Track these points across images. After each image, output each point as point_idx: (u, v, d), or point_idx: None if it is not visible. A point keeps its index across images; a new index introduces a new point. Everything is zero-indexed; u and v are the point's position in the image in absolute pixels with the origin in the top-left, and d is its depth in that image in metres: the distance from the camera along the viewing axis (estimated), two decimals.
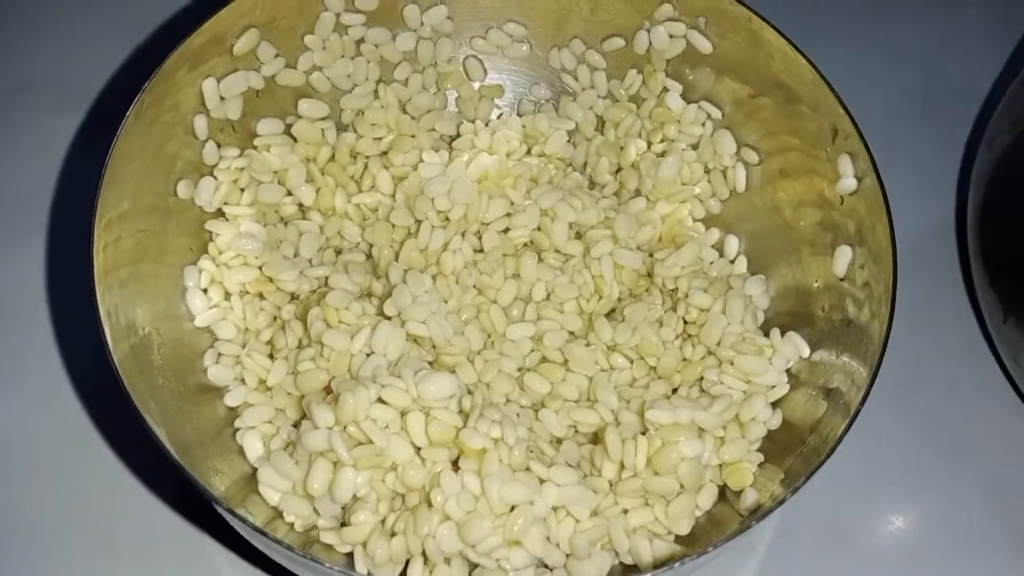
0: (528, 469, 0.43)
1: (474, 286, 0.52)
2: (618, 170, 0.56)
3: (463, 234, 0.53)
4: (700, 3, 0.52)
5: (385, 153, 0.56)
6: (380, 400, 0.43)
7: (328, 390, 0.45)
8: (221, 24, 0.49)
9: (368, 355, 0.46)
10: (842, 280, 0.47)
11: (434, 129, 0.57)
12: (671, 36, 0.54)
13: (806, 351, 0.48)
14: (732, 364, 0.48)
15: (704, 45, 0.53)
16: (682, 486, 0.44)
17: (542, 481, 0.43)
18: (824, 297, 0.49)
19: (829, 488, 0.51)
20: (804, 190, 0.50)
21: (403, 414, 0.44)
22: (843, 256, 0.47)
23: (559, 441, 0.48)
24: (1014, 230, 0.49)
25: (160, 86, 0.47)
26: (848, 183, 0.47)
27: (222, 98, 0.50)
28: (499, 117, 0.58)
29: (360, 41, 0.55)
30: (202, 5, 0.55)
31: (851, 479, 0.52)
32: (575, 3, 0.55)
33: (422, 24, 0.56)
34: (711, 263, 0.54)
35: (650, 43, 0.54)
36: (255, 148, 0.53)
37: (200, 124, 0.50)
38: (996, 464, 0.53)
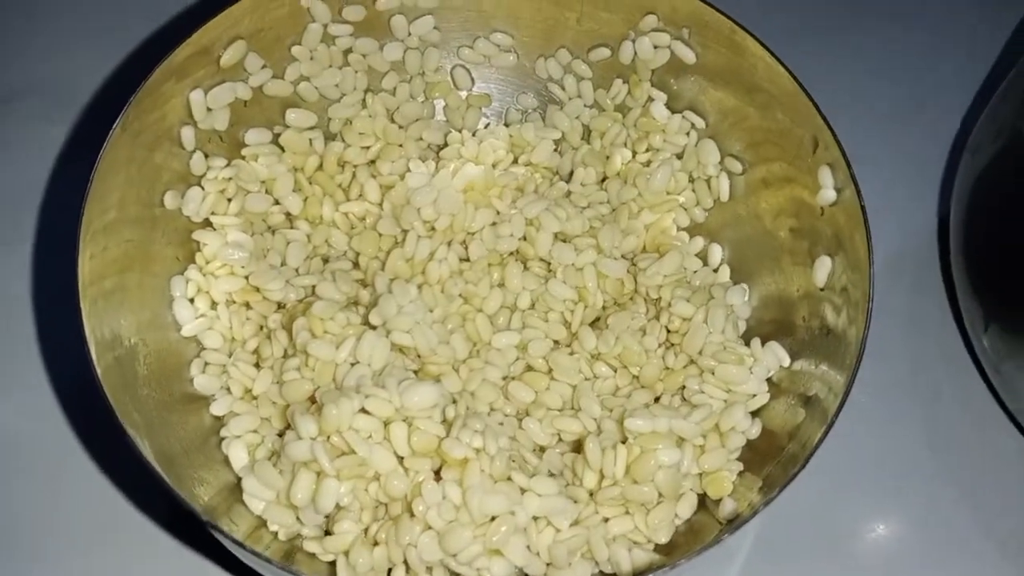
0: (509, 479, 0.43)
1: (460, 295, 0.52)
2: (603, 179, 0.57)
3: (449, 243, 0.53)
4: (684, 14, 0.52)
5: (373, 162, 0.56)
6: (363, 410, 0.44)
7: (313, 400, 0.46)
8: (207, 36, 0.49)
9: (353, 365, 0.47)
10: (822, 290, 0.48)
11: (421, 138, 0.57)
12: (655, 46, 0.54)
13: (787, 360, 0.48)
14: (713, 373, 0.48)
15: (688, 55, 0.53)
16: (660, 494, 0.44)
17: (523, 491, 0.43)
18: (804, 306, 0.49)
19: (810, 495, 0.52)
20: (786, 200, 0.51)
21: (386, 424, 0.44)
22: (823, 267, 0.48)
23: (542, 450, 0.49)
24: (995, 239, 0.49)
25: (146, 98, 0.47)
26: (828, 194, 0.47)
27: (209, 109, 0.51)
28: (486, 126, 0.59)
29: (348, 51, 0.55)
30: (196, 10, 0.55)
31: (833, 487, 0.53)
32: (561, 13, 0.55)
33: (409, 34, 0.56)
34: (694, 272, 0.54)
35: (635, 53, 0.55)
36: (243, 158, 0.53)
37: (187, 135, 0.50)
38: (979, 473, 0.54)
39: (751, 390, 0.48)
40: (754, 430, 0.47)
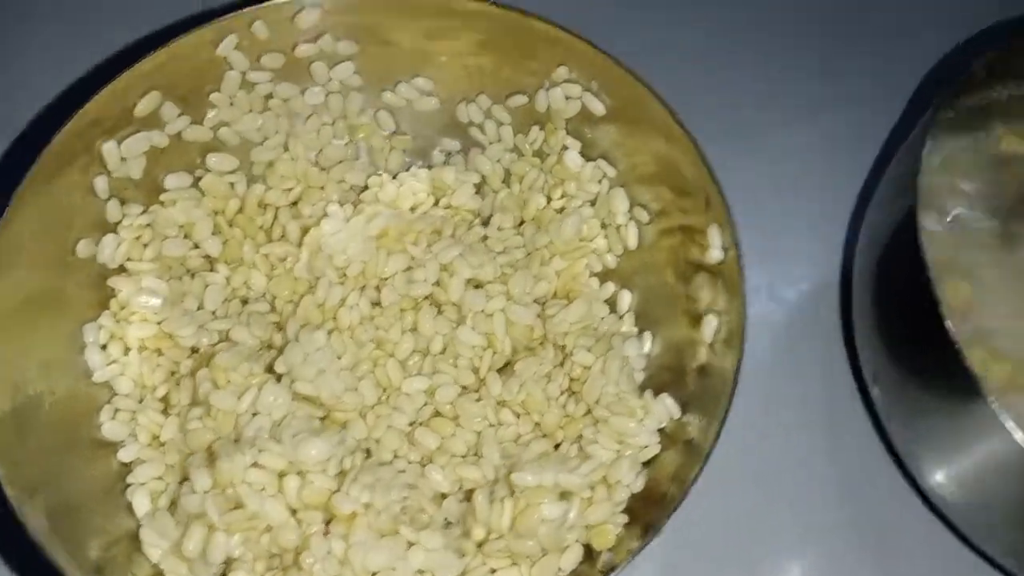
0: (397, 533, 0.45)
1: (372, 340, 0.53)
2: (521, 223, 0.58)
3: (362, 289, 0.54)
4: (592, 67, 0.53)
5: (295, 203, 0.57)
6: (257, 464, 0.45)
7: (211, 450, 0.47)
8: (120, 88, 0.50)
9: (254, 415, 0.48)
10: (710, 345, 0.49)
11: (344, 180, 0.58)
12: (567, 97, 0.55)
13: (677, 413, 0.50)
14: (607, 424, 0.49)
15: (597, 107, 0.55)
16: (544, 548, 0.46)
17: (411, 544, 0.45)
18: (695, 359, 0.50)
19: (705, 544, 0.53)
20: (684, 253, 0.52)
21: (281, 476, 0.46)
22: (710, 323, 0.49)
23: (444, 496, 0.50)
24: (887, 294, 0.50)
25: (58, 150, 0.48)
26: (714, 254, 0.49)
27: (123, 159, 0.52)
28: (408, 168, 0.60)
29: (268, 96, 0.56)
30: (140, 46, 0.55)
31: (729, 536, 0.54)
32: (480, 60, 0.56)
33: (330, 79, 0.57)
34: (602, 318, 0.55)
35: (549, 102, 0.56)
36: (161, 203, 0.54)
37: (100, 184, 0.51)
38: (879, 522, 0.54)
39: (642, 442, 0.49)
40: (638, 483, 0.48)
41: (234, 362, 0.49)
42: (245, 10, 0.52)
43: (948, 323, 0.44)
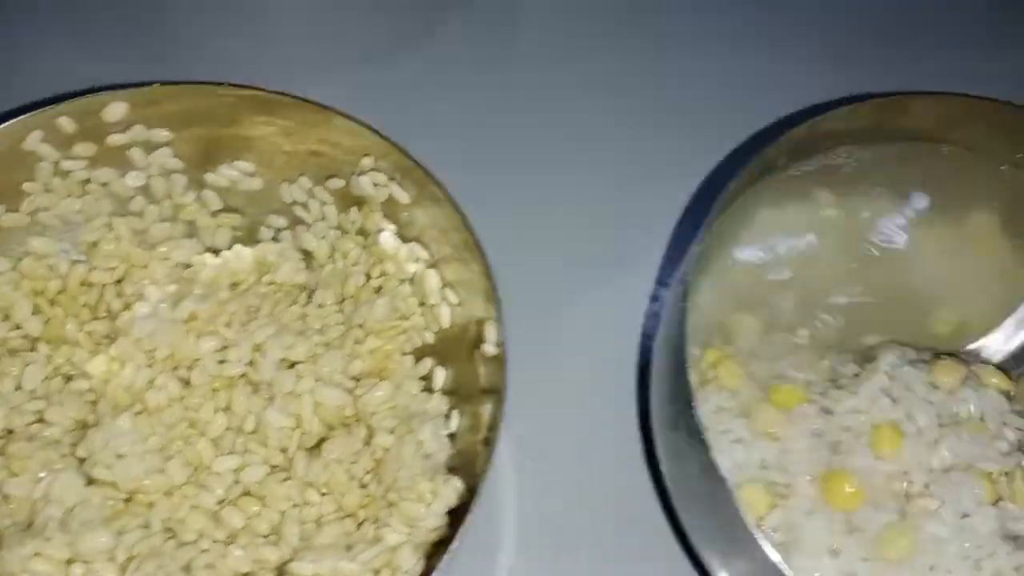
0: None
1: (184, 420, 0.55)
2: (342, 300, 0.60)
3: (173, 369, 0.56)
4: (392, 161, 0.56)
5: (119, 282, 0.59)
6: (40, 554, 0.47)
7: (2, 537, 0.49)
8: None
9: (50, 501, 0.49)
10: (489, 427, 0.51)
11: (169, 258, 0.60)
12: (376, 184, 0.57)
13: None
14: (397, 507, 0.51)
15: (402, 196, 0.57)
16: None
17: None
18: (480, 438, 0.53)
19: None
20: (477, 339, 0.54)
21: (69, 563, 0.47)
22: (486, 410, 0.51)
23: None
24: (666, 385, 0.53)
25: None
26: (490, 348, 0.51)
27: None
28: (233, 246, 0.61)
29: (86, 181, 0.58)
30: None
31: None
32: (294, 145, 0.58)
33: (149, 164, 0.58)
34: (413, 396, 0.57)
35: (361, 188, 0.58)
36: None
37: None
38: None
39: (430, 525, 0.51)
40: (418, 568, 0.50)
41: (30, 451, 0.50)
42: (47, 109, 0.53)
43: (702, 425, 0.46)
